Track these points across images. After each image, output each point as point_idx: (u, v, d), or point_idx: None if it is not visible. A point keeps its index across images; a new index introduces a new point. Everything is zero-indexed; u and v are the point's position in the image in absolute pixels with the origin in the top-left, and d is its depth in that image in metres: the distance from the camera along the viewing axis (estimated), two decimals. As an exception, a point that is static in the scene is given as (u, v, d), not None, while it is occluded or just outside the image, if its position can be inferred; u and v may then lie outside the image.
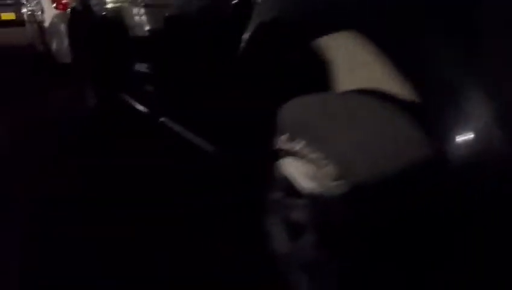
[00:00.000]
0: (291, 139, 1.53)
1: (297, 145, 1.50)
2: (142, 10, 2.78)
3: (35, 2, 6.65)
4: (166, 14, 2.46)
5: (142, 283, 1.63)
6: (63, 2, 5.73)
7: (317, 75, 1.57)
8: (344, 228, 1.45)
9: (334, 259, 1.43)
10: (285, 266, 1.65)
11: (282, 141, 1.58)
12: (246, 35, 1.69)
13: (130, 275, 1.66)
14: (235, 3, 1.81)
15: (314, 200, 1.55)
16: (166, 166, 2.55)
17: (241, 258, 1.76)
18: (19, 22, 10.18)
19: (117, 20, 3.17)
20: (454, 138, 1.08)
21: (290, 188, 1.65)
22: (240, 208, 2.01)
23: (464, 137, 1.06)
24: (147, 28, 2.81)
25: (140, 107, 3.10)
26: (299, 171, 1.56)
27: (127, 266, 1.71)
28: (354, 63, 1.47)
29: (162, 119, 2.74)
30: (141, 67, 2.99)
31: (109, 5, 3.40)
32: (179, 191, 2.30)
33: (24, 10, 8.13)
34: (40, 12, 6.32)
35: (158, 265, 1.72)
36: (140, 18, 2.85)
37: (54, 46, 5.94)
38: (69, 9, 4.40)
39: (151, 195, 2.29)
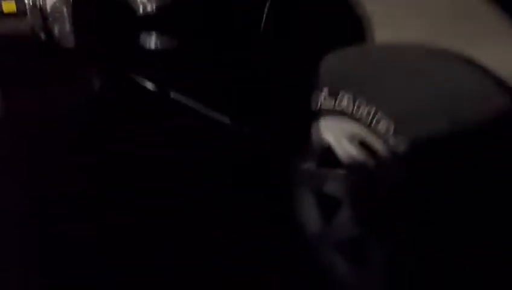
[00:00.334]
0: (334, 94, 1.30)
1: (342, 101, 1.28)
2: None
3: (36, -13, 6.47)
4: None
5: (143, 273, 1.58)
6: (65, -15, 5.54)
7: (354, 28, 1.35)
8: (393, 201, 1.25)
9: (377, 239, 1.29)
10: (317, 246, 1.51)
11: (321, 98, 1.35)
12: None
13: (130, 266, 1.62)
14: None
15: (358, 169, 1.32)
16: (167, 155, 2.41)
17: (241, 246, 1.69)
18: (20, 13, 10.00)
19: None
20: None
21: (326, 156, 1.44)
22: (241, 195, 1.80)
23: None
24: (154, 2, 2.62)
25: (149, 85, 2.90)
26: (342, 133, 1.34)
27: (126, 257, 1.66)
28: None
29: (173, 94, 2.54)
30: (149, 43, 2.79)
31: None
32: (179, 179, 2.14)
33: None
34: (41, -1, 6.13)
35: (158, 255, 1.67)
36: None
37: (56, 31, 5.74)
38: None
39: (152, 184, 2.14)
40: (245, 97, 1.81)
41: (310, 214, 1.54)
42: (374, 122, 1.21)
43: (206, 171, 2.22)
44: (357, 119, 1.25)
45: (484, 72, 1.12)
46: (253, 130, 1.79)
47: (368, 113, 1.22)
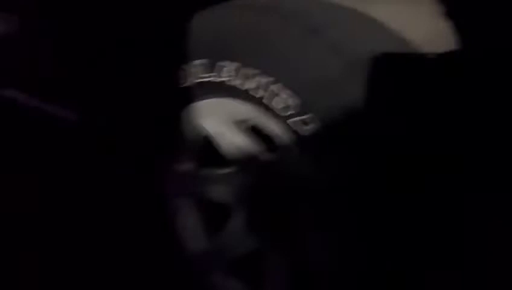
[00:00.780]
0: (210, 66, 0.96)
1: (221, 74, 0.94)
2: None
3: None
4: None
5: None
6: None
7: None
8: (297, 203, 1.00)
9: (278, 252, 1.05)
10: (203, 268, 1.21)
11: (193, 74, 1.00)
12: None
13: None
14: None
15: (249, 164, 1.02)
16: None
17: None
18: None
19: None
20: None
21: (206, 152, 1.11)
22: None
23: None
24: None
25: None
26: (225, 117, 1.02)
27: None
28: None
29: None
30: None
31: None
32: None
33: None
34: None
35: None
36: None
37: None
38: None
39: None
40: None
41: (192, 228, 1.19)
42: (268, 98, 0.89)
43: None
44: (245, 97, 0.93)
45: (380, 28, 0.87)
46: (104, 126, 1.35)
47: (260, 87, 0.90)
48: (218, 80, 0.95)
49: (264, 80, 0.89)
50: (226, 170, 1.12)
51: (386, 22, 0.88)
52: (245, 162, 1.05)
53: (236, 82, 0.92)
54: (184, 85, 1.04)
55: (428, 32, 0.91)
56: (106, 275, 1.27)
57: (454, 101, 0.85)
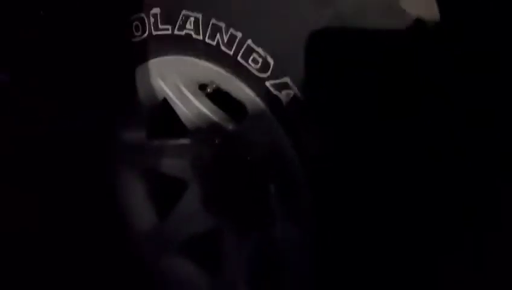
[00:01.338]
0: (171, 16, 0.82)
1: (184, 26, 0.80)
2: None
3: None
4: None
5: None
6: None
7: None
8: (264, 178, 0.90)
9: (237, 232, 0.95)
10: (151, 248, 1.07)
11: (150, 25, 0.85)
12: None
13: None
14: None
15: (210, 134, 0.90)
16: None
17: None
18: None
19: None
20: None
21: (161, 119, 0.98)
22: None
23: None
24: None
25: None
26: (185, 78, 0.89)
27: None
28: None
29: None
30: None
31: None
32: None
33: None
34: None
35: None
36: None
37: None
38: None
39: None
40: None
41: (140, 204, 1.05)
42: (237, 57, 0.77)
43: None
44: (213, 54, 0.79)
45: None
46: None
47: (228, 44, 0.77)
48: (182, 33, 0.81)
49: (238, 34, 0.76)
50: (183, 141, 0.99)
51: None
52: (206, 131, 0.93)
53: (205, 36, 0.79)
54: (139, 38, 0.88)
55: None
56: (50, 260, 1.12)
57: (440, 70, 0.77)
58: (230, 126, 0.90)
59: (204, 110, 0.92)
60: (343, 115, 0.73)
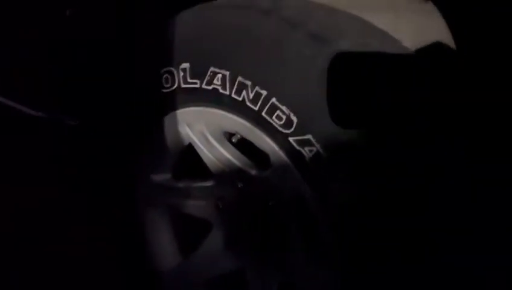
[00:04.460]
0: (199, 71, 0.86)
1: (212, 81, 0.84)
2: None
3: None
4: None
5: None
6: None
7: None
8: (286, 223, 0.93)
9: (261, 273, 0.97)
10: (175, 288, 1.11)
11: (179, 78, 0.89)
12: None
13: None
14: None
15: (234, 179, 0.92)
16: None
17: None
18: None
19: None
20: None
21: (186, 163, 1.02)
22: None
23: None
24: None
25: None
26: (211, 127, 0.93)
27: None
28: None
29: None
30: None
31: None
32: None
33: None
34: None
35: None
36: None
37: None
38: None
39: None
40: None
41: (165, 244, 1.08)
42: (262, 113, 0.80)
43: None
44: (235, 109, 0.83)
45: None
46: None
47: (254, 100, 0.81)
48: (210, 87, 0.85)
49: (263, 92, 0.79)
50: (207, 183, 1.03)
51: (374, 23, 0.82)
52: (230, 175, 0.96)
53: (231, 92, 0.83)
54: (168, 90, 0.93)
55: (416, 31, 0.85)
56: None
57: (444, 103, 0.80)
58: (253, 171, 0.94)
59: (229, 156, 0.95)
60: (365, 172, 0.76)
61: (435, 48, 0.84)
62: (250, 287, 1.01)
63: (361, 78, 0.77)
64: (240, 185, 0.98)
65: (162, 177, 1.06)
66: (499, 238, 0.82)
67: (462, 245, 0.81)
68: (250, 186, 0.96)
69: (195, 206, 1.05)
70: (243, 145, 0.95)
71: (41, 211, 1.24)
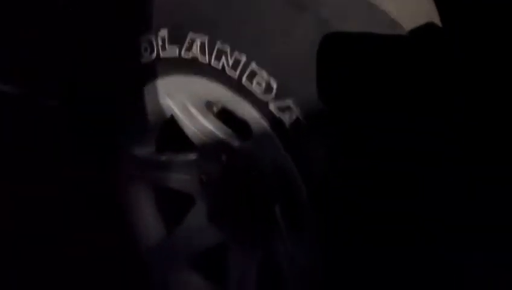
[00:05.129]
0: (178, 38, 0.84)
1: (191, 48, 0.82)
2: None
3: None
4: None
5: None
6: None
7: None
8: (270, 197, 0.91)
9: (244, 248, 0.95)
10: (158, 262, 1.09)
11: (157, 45, 0.87)
12: None
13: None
14: None
15: (218, 151, 0.93)
16: None
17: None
18: None
19: None
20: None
21: (169, 134, 1.00)
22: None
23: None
24: None
25: None
26: (192, 97, 0.90)
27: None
28: None
29: None
30: None
31: None
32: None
33: None
34: None
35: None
36: None
37: None
38: None
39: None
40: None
41: (147, 219, 1.07)
42: (243, 79, 0.78)
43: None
44: (219, 76, 0.81)
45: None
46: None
47: (234, 66, 0.79)
48: (188, 56, 0.83)
49: (242, 57, 0.77)
50: (190, 156, 1.01)
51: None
52: (213, 147, 0.94)
53: (210, 59, 0.80)
54: (147, 59, 0.90)
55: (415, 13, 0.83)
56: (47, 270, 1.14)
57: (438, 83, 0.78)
58: (236, 143, 0.92)
59: (211, 127, 0.93)
60: (345, 137, 0.74)
61: (425, 24, 0.82)
62: (232, 261, 1.00)
63: (345, 51, 0.75)
64: (223, 158, 0.96)
65: (144, 151, 1.04)
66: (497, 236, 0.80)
67: (461, 242, 0.80)
68: (233, 159, 0.94)
69: (179, 180, 1.04)
70: (225, 116, 0.94)
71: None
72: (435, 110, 0.77)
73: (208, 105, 0.92)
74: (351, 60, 0.75)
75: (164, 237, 1.09)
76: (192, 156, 1.00)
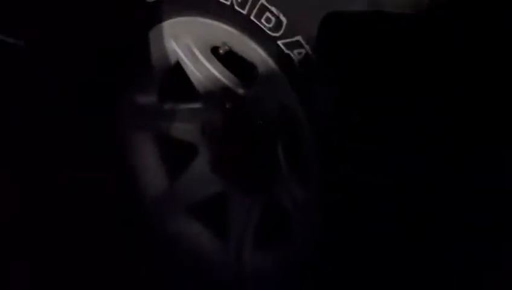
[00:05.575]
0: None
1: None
2: None
3: None
4: None
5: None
6: None
7: None
8: (275, 145, 0.91)
9: (245, 196, 0.96)
10: (162, 211, 1.09)
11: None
12: None
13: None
14: None
15: (222, 99, 0.93)
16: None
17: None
18: None
19: None
20: None
21: (172, 82, 1.00)
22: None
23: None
24: None
25: None
26: (197, 40, 0.90)
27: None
28: None
29: None
30: None
31: None
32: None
33: None
34: None
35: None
36: None
37: None
38: None
39: None
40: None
41: (151, 166, 1.07)
42: (251, 16, 0.78)
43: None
44: (223, 15, 0.81)
45: None
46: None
47: (242, 3, 0.78)
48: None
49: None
50: (194, 105, 1.01)
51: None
52: (217, 95, 0.94)
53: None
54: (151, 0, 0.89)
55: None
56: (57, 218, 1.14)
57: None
58: (241, 90, 0.92)
59: (216, 73, 0.93)
60: (353, 75, 0.74)
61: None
62: (235, 210, 1.01)
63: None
64: (227, 106, 0.96)
65: (147, 99, 1.04)
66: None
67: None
68: (237, 106, 0.94)
69: (182, 130, 1.04)
70: (230, 63, 0.93)
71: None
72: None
73: (214, 49, 0.92)
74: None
75: (167, 186, 1.09)
76: (195, 105, 1.00)
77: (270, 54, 0.79)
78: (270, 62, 0.80)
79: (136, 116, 1.06)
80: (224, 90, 0.94)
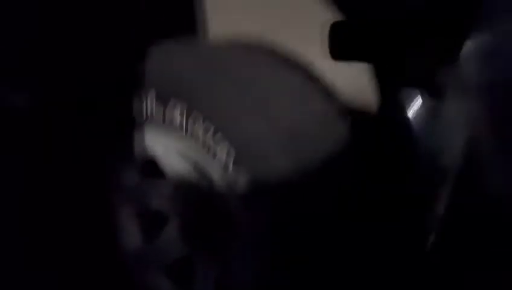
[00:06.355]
0: (163, 100, 1.06)
1: (173, 111, 1.04)
2: None
3: None
4: None
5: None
6: None
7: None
8: (228, 224, 1.11)
9: (206, 259, 1.15)
10: (140, 268, 1.30)
11: (147, 103, 1.09)
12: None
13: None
14: None
15: (188, 187, 1.11)
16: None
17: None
18: None
19: None
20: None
21: (151, 167, 1.20)
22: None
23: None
24: None
25: None
26: (172, 148, 1.11)
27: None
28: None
29: None
30: None
31: None
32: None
33: None
34: None
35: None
36: None
37: None
38: None
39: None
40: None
41: (130, 231, 1.29)
42: (211, 142, 1.00)
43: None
44: (191, 135, 1.03)
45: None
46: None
47: (205, 131, 1.01)
48: (169, 117, 1.05)
49: (209, 127, 0.99)
50: (167, 183, 1.21)
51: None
52: (184, 184, 1.15)
53: (185, 124, 1.03)
54: (139, 111, 1.12)
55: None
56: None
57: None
58: (205, 186, 1.11)
59: (184, 171, 1.13)
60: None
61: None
62: (197, 272, 1.21)
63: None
64: (193, 197, 1.17)
65: (130, 176, 1.26)
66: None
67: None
68: (199, 193, 1.15)
69: (157, 201, 1.25)
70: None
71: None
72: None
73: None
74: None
75: (142, 246, 1.32)
76: (169, 189, 1.21)
77: (221, 172, 1.01)
78: (222, 179, 1.01)
79: (122, 193, 1.28)
80: (191, 182, 1.14)
